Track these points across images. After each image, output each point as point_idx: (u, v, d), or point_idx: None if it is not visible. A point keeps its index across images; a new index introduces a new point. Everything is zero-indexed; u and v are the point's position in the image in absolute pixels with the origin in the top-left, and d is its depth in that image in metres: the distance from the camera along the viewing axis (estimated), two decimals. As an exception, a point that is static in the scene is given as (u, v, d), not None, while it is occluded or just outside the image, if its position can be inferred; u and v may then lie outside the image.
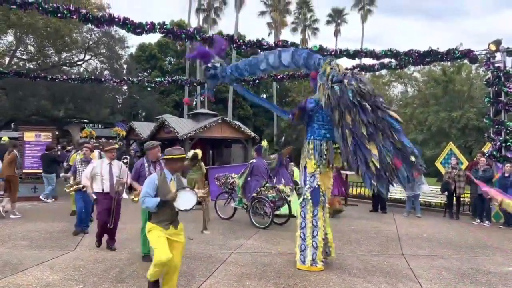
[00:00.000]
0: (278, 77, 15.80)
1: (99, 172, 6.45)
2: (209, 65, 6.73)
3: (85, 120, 28.75)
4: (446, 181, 11.30)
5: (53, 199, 11.91)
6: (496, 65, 11.57)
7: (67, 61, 26.00)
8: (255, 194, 9.11)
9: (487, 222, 10.30)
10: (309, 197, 5.91)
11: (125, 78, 18.26)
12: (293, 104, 37.61)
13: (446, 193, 11.41)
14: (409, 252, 7.10)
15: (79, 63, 26.44)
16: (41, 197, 11.59)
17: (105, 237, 6.69)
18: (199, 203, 4.50)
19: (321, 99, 5.62)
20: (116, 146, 7.06)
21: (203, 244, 7.14)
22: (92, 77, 18.95)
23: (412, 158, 5.01)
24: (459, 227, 9.91)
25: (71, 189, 7.84)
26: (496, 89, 11.50)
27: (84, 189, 7.00)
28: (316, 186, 5.89)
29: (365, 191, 13.92)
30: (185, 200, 4.18)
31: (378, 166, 4.98)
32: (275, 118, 37.72)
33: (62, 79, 16.23)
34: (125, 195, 6.76)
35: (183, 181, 4.46)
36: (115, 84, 17.59)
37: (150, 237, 4.22)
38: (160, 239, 4.13)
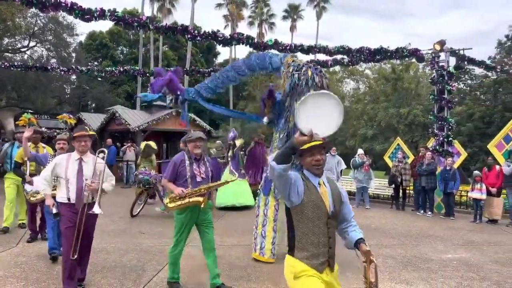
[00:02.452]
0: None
1: (62, 173, 4.25)
2: (179, 96, 7.11)
3: (30, 111, 27.27)
4: (393, 174, 11.80)
5: None
6: (440, 64, 12.21)
7: (10, 47, 24.48)
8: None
9: (429, 213, 10.89)
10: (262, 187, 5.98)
11: (74, 67, 17.43)
12: (249, 98, 37.68)
13: (393, 185, 11.93)
14: (358, 242, 7.36)
15: (23, 49, 25.02)
16: None
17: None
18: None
19: (283, 87, 5.77)
20: (91, 133, 4.49)
21: (155, 238, 7.01)
22: (37, 64, 17.93)
23: None
24: (404, 218, 10.40)
25: (38, 197, 5.84)
26: (440, 87, 12.14)
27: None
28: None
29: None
30: None
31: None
32: (230, 112, 37.57)
33: (3, 66, 15.25)
34: (97, 209, 4.24)
35: (341, 192, 2.78)
36: (62, 73, 16.70)
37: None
38: None
